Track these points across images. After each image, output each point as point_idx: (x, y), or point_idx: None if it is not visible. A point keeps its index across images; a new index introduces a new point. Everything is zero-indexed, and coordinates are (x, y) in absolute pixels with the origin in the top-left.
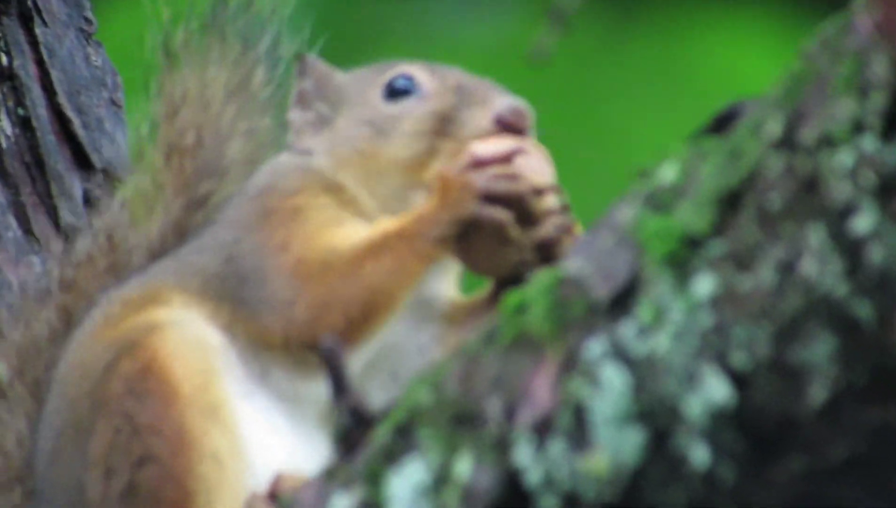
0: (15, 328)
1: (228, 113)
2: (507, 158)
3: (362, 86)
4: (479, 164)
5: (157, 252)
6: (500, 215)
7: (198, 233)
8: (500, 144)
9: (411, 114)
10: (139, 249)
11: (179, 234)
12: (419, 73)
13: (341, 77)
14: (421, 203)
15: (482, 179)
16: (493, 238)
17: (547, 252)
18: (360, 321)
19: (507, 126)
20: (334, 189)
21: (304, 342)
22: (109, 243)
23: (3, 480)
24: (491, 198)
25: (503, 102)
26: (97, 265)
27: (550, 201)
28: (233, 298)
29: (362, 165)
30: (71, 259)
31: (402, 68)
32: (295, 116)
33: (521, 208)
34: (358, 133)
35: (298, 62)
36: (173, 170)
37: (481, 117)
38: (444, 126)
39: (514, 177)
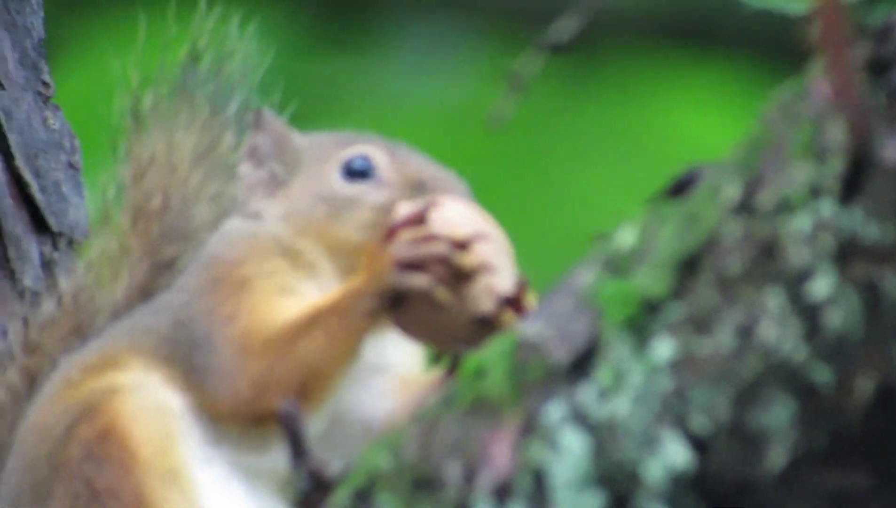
0: None
1: (196, 177)
2: (419, 219)
3: (321, 155)
4: (395, 230)
5: (122, 315)
6: (420, 281)
7: (156, 297)
8: (413, 205)
9: (366, 201)
10: (104, 311)
11: (145, 297)
12: (378, 155)
13: (299, 139)
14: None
15: (396, 247)
16: (426, 305)
17: (491, 325)
18: (300, 400)
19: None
20: (291, 254)
21: (250, 416)
22: (74, 305)
23: None
24: (409, 265)
25: None
26: (62, 328)
27: (480, 252)
28: (184, 363)
29: (319, 237)
30: (35, 322)
31: (362, 148)
32: (246, 171)
33: (446, 267)
34: (314, 207)
35: (254, 116)
36: (139, 233)
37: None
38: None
39: (428, 238)
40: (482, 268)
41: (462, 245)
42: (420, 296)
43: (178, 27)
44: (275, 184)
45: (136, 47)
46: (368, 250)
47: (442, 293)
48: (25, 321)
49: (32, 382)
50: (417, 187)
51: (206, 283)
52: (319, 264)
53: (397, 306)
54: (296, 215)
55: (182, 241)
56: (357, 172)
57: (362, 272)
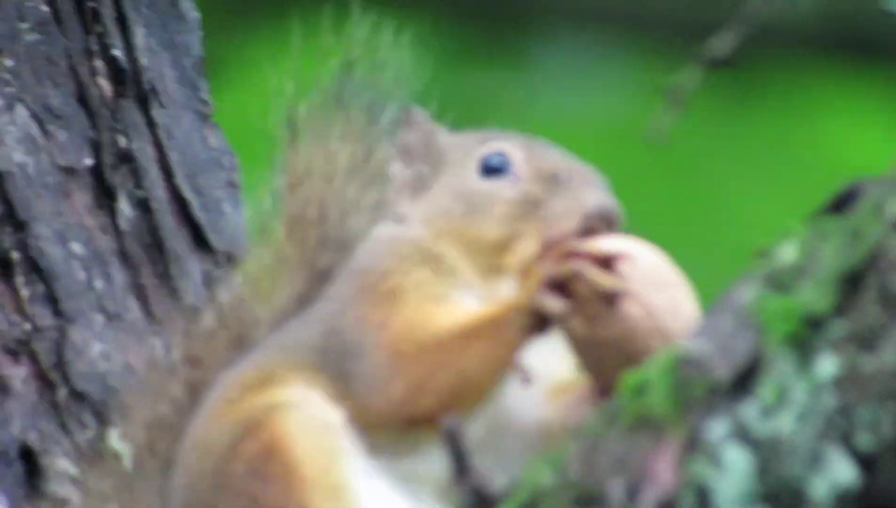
0: (143, 404)
1: (352, 186)
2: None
3: (461, 153)
4: (551, 246)
5: (281, 325)
6: (556, 306)
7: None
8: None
9: (500, 196)
10: (263, 322)
11: (303, 307)
12: (514, 152)
13: (444, 138)
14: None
15: (543, 265)
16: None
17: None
18: (451, 404)
19: (593, 228)
20: (431, 260)
21: (402, 420)
22: (234, 317)
23: None
24: (553, 285)
25: (594, 201)
26: (222, 340)
27: (623, 273)
28: (333, 371)
29: (457, 237)
30: (196, 335)
31: (499, 145)
32: (397, 170)
33: (588, 289)
34: (452, 206)
35: (404, 114)
36: (296, 242)
37: (569, 215)
38: (531, 212)
39: (572, 255)
40: (623, 293)
41: (604, 261)
42: (560, 321)
43: (332, 38)
44: (420, 185)
45: (291, 59)
46: (525, 266)
47: (577, 324)
48: (187, 334)
49: (195, 395)
50: (552, 181)
51: (356, 292)
52: (459, 267)
53: (548, 326)
54: (436, 216)
55: (340, 250)
56: (493, 169)
57: (519, 286)
